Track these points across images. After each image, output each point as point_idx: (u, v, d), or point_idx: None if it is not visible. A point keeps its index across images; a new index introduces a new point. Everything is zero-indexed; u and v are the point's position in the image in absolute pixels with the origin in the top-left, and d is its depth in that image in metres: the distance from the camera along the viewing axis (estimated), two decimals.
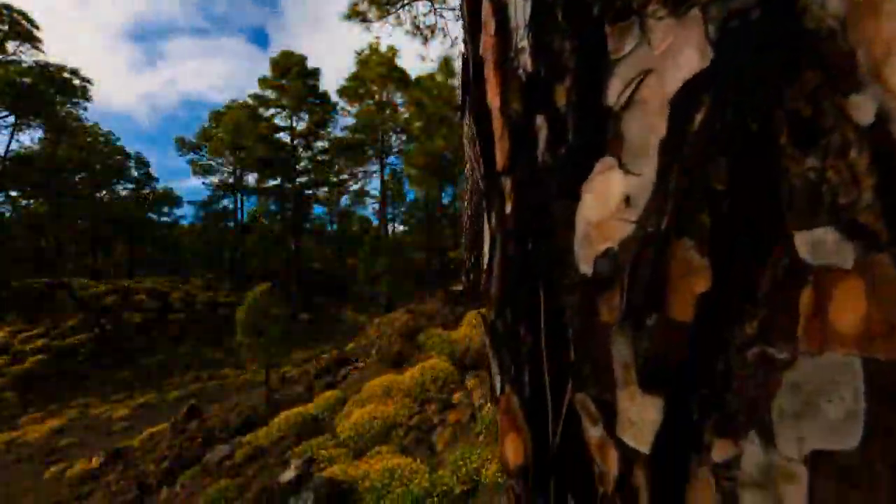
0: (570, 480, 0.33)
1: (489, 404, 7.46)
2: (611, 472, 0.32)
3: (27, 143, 26.97)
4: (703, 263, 0.28)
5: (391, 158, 34.32)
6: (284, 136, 31.49)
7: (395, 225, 47.48)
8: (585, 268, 0.33)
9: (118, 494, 8.69)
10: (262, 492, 6.24)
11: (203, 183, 34.64)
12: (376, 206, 39.78)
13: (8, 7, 19.67)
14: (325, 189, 37.23)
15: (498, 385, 0.39)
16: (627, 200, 0.31)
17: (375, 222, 41.76)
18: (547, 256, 0.34)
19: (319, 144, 34.07)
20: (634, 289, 0.30)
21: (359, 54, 29.59)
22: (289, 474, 6.49)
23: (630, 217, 0.31)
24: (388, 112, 31.67)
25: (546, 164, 0.35)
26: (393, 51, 28.98)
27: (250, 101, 31.57)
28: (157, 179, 37.40)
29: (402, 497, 4.83)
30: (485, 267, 0.40)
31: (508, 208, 0.37)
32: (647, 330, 0.30)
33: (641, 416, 0.31)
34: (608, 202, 0.32)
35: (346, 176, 38.28)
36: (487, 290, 0.39)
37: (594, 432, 0.34)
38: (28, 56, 21.69)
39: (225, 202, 35.08)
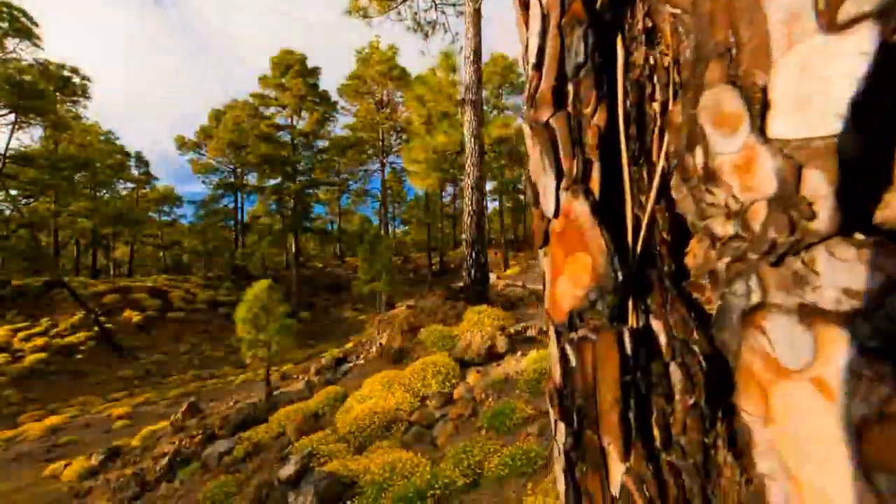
0: (664, 285, 0.24)
1: (490, 399, 7.38)
2: (760, 191, 0.21)
3: (27, 141, 26.96)
4: None
5: (391, 157, 34.31)
6: (285, 135, 31.48)
7: (395, 225, 47.45)
8: None
9: (117, 491, 8.60)
10: (262, 486, 6.16)
11: (203, 182, 34.63)
12: (376, 205, 39.77)
13: (7, 4, 19.62)
14: (326, 188, 37.20)
15: (551, 203, 0.31)
16: None
17: (375, 222, 41.75)
18: None
19: (320, 143, 34.06)
20: None
21: (359, 52, 29.58)
22: (288, 469, 6.41)
23: None
24: (388, 111, 31.65)
25: None
26: (393, 49, 28.97)
27: (251, 100, 31.56)
28: (157, 178, 37.41)
29: (404, 490, 4.74)
30: (531, 63, 0.32)
31: None
32: None
33: (830, 71, 0.18)
34: None
35: (346, 175, 38.27)
36: (534, 94, 0.31)
37: (729, 148, 0.22)
38: (27, 53, 21.67)
39: (225, 201, 35.05)
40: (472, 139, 11.13)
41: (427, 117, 14.18)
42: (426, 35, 13.33)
